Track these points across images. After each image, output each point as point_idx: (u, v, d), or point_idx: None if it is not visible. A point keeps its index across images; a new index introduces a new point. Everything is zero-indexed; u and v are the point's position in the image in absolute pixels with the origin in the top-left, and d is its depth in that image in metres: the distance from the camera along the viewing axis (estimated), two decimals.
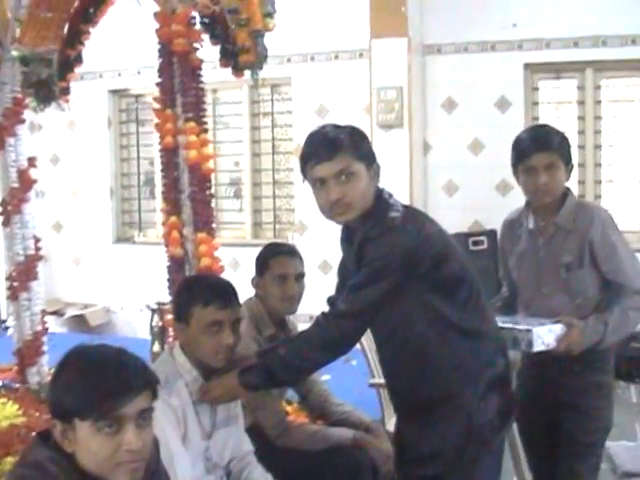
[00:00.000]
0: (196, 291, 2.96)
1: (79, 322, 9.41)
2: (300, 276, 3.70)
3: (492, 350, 2.84)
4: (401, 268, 2.68)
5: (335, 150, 2.75)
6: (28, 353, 5.61)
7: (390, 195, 2.86)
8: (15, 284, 5.62)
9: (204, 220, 4.01)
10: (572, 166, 3.40)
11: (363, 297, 2.74)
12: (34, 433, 2.26)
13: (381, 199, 2.82)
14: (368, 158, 2.82)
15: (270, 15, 4.18)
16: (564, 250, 3.34)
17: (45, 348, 5.71)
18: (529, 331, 3.09)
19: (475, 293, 2.81)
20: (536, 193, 3.35)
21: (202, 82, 4.18)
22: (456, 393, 2.75)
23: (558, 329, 3.16)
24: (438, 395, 2.77)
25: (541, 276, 3.40)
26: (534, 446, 3.56)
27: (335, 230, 7.81)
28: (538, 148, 3.30)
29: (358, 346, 4.45)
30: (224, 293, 2.97)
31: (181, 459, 2.74)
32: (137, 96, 9.54)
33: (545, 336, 3.11)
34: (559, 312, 3.28)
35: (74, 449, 2.03)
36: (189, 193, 4.01)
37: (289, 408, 4.57)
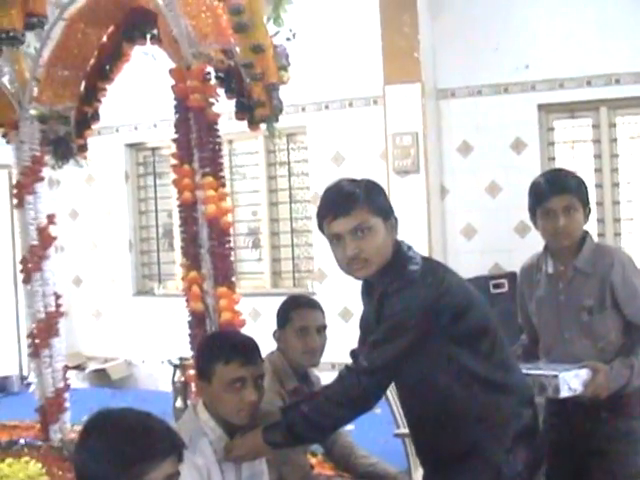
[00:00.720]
0: (217, 349, 2.93)
1: (100, 376, 9.40)
2: (322, 328, 3.68)
3: (517, 401, 2.80)
4: (421, 322, 2.66)
5: (351, 205, 2.75)
6: (50, 410, 5.60)
7: (409, 247, 2.84)
8: (36, 341, 5.63)
9: (224, 274, 4.00)
10: (590, 209, 3.39)
11: (383, 353, 2.71)
12: None
13: (400, 252, 2.80)
14: (385, 212, 2.81)
15: (284, 68, 4.22)
16: (585, 294, 3.31)
17: (67, 404, 5.70)
18: (556, 377, 3.06)
19: (499, 343, 2.78)
20: (555, 236, 3.33)
21: (219, 136, 4.19)
22: (482, 447, 2.71)
23: (584, 374, 3.13)
24: (463, 449, 2.73)
25: (562, 320, 3.37)
26: None
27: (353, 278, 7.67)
28: (555, 191, 3.29)
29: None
30: (246, 350, 2.95)
31: None
32: (154, 149, 9.61)
33: (571, 381, 3.08)
34: (581, 357, 3.25)
35: None
36: (208, 247, 4.00)
37: (314, 460, 4.53)
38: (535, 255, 3.55)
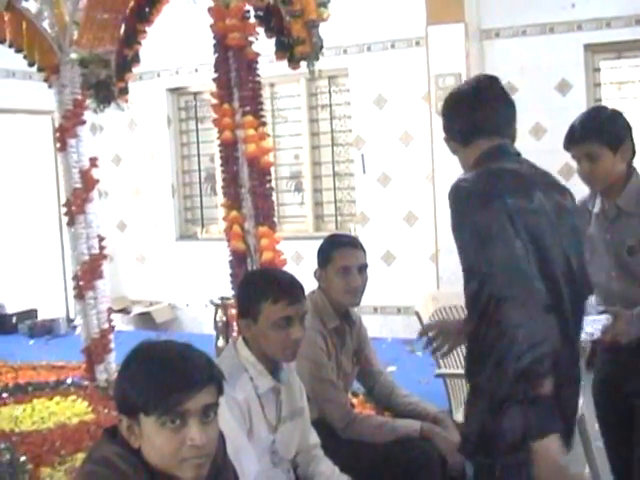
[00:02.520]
0: (264, 287, 2.93)
1: (145, 320, 9.51)
2: (363, 268, 3.66)
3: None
4: None
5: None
6: (96, 351, 5.70)
7: None
8: (81, 283, 5.71)
9: (265, 214, 4.00)
10: (630, 145, 3.27)
11: None
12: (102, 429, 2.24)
13: None
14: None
15: (324, 5, 4.16)
16: (627, 233, 3.26)
17: (112, 346, 5.80)
18: None
19: None
20: (585, 181, 3.32)
21: (258, 75, 4.17)
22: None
23: (604, 319, 3.13)
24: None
25: (609, 259, 3.32)
26: (611, 432, 3.48)
27: (396, 221, 7.78)
28: (572, 141, 3.25)
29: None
30: (292, 288, 2.95)
31: (247, 453, 2.73)
32: (195, 93, 9.59)
33: (587, 326, 3.05)
34: (623, 296, 3.22)
35: (140, 444, 2.03)
36: (249, 187, 4.00)
37: (355, 400, 4.56)
38: (586, 195, 3.50)
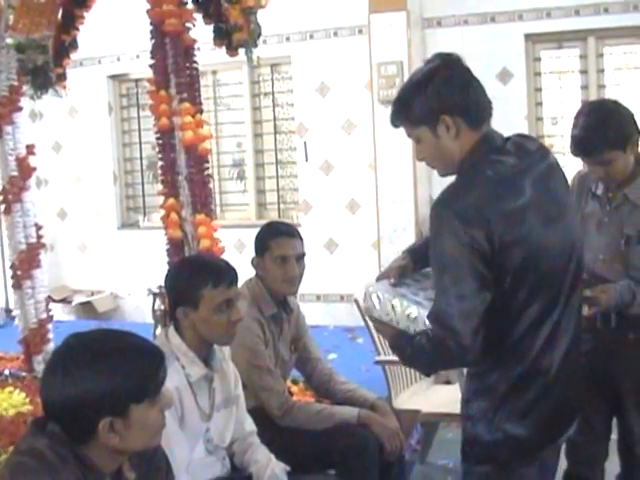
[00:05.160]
0: (202, 273, 2.94)
1: (87, 309, 9.41)
2: (301, 257, 3.66)
3: None
4: None
5: None
6: (34, 341, 5.61)
7: None
8: (18, 272, 5.62)
9: (202, 201, 3.98)
10: (636, 136, 3.26)
11: None
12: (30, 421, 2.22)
13: None
14: None
15: None
16: (627, 223, 3.29)
17: (51, 336, 5.71)
18: None
19: None
20: (600, 181, 3.35)
21: (196, 62, 4.13)
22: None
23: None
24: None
25: (600, 242, 3.35)
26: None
27: (339, 209, 7.78)
28: (581, 153, 3.27)
29: (363, 324, 4.44)
30: (229, 271, 2.98)
31: (178, 441, 2.73)
32: (137, 80, 9.48)
33: None
34: (609, 281, 3.26)
35: (125, 437, 2.03)
36: (186, 174, 3.97)
37: (295, 388, 4.56)
38: (587, 170, 3.45)
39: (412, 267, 2.62)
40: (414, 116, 2.44)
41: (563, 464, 3.46)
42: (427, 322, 2.36)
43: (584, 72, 7.67)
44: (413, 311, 2.42)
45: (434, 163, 2.50)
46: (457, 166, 2.42)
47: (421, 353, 2.36)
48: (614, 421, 3.58)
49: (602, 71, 7.65)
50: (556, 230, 2.39)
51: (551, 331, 2.39)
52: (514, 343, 2.36)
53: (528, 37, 7.75)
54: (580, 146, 3.25)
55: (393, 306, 2.47)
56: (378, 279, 2.65)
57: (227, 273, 2.96)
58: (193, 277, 2.94)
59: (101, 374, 2.00)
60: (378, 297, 2.52)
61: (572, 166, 7.63)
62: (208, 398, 2.96)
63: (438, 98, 2.39)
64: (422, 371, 2.60)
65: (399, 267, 2.62)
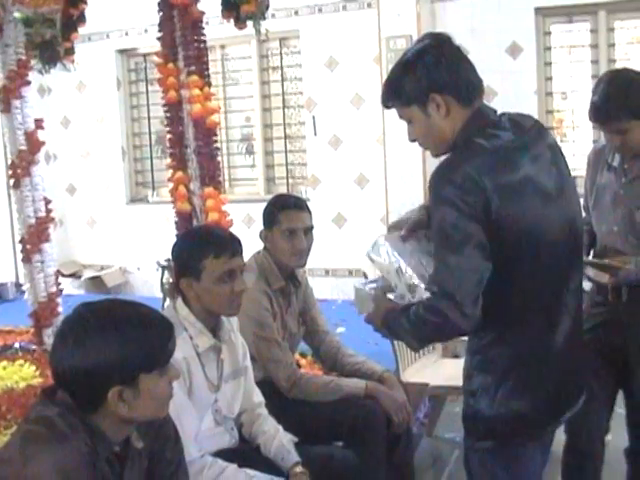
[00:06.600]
0: (205, 244, 2.94)
1: (96, 284, 9.44)
2: (309, 230, 3.65)
3: None
4: None
5: None
6: (43, 315, 5.64)
7: None
8: (27, 246, 5.64)
9: (210, 174, 3.98)
10: None
11: None
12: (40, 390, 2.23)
13: None
14: None
15: None
16: None
17: (60, 309, 5.74)
18: None
19: None
20: (617, 151, 3.32)
21: (203, 35, 4.12)
22: None
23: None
24: None
25: (615, 214, 3.33)
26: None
27: (348, 183, 7.76)
28: (598, 120, 3.24)
29: None
30: (232, 242, 2.97)
31: (187, 412, 2.74)
32: (145, 55, 9.45)
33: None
34: (624, 252, 3.26)
35: (133, 406, 2.05)
36: (194, 147, 3.97)
37: (304, 361, 4.58)
38: (603, 142, 3.45)
39: (426, 223, 2.59)
40: (404, 95, 2.43)
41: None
42: (424, 296, 2.36)
43: (594, 46, 7.60)
44: (415, 281, 2.42)
45: (426, 143, 2.50)
46: (449, 145, 2.41)
47: (417, 323, 2.35)
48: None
49: (613, 45, 7.58)
50: (555, 208, 2.38)
51: (553, 307, 2.39)
52: (515, 317, 2.35)
53: (538, 11, 7.68)
54: (598, 113, 3.22)
55: (398, 269, 2.46)
56: (390, 229, 2.65)
57: (230, 243, 2.96)
58: (195, 248, 2.95)
59: (112, 343, 2.01)
60: (387, 252, 2.51)
61: (582, 141, 7.66)
62: (216, 369, 2.97)
63: (427, 77, 2.38)
64: (413, 344, 2.52)
65: (413, 221, 2.59)
